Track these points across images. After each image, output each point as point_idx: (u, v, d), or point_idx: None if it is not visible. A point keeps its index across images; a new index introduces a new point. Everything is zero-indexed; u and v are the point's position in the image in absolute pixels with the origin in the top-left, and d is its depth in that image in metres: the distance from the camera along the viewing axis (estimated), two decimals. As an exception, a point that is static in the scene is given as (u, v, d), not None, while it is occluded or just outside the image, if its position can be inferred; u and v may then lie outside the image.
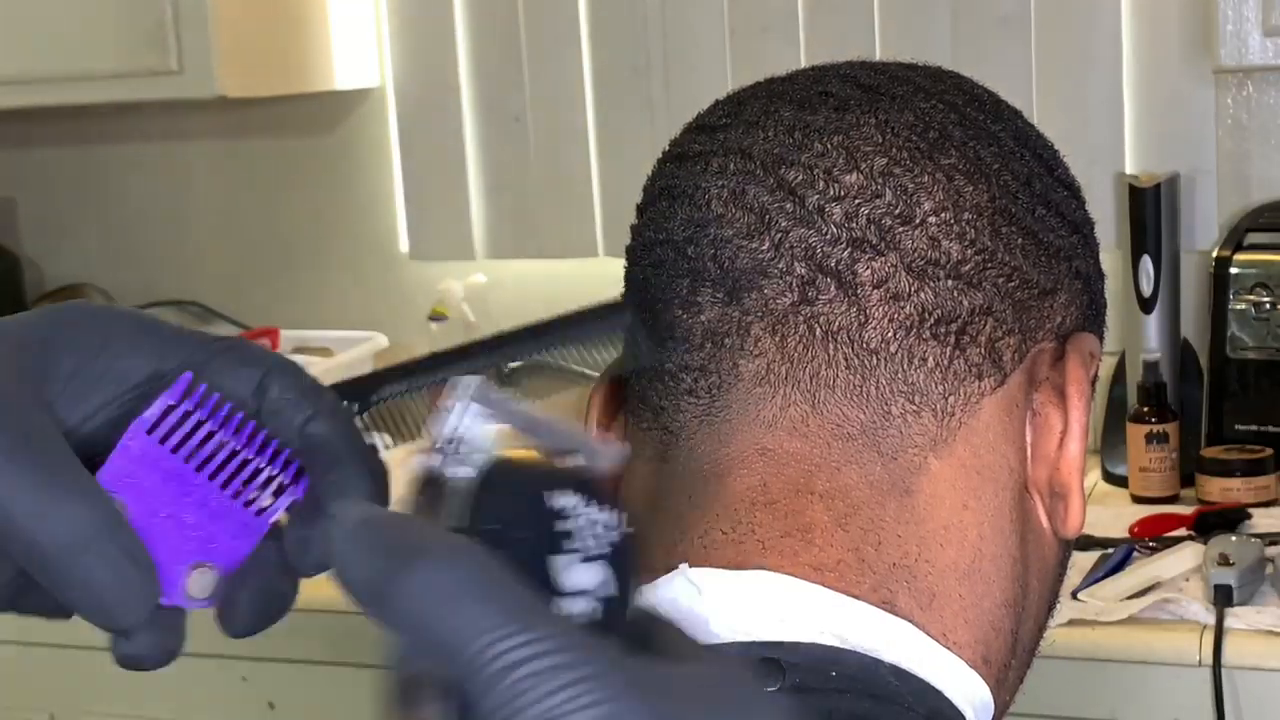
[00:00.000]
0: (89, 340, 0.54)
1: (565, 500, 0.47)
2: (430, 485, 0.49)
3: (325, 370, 2.33)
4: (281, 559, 0.57)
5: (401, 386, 0.60)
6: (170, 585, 0.54)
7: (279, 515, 0.56)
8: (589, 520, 0.47)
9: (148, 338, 0.55)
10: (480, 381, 0.49)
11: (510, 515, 0.47)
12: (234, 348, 0.56)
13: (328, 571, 0.45)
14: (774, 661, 0.63)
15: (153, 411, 0.53)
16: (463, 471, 0.48)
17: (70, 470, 0.50)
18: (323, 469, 0.56)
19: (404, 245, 2.53)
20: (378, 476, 0.57)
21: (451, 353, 0.62)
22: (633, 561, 0.47)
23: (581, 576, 0.46)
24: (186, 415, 0.54)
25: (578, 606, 0.46)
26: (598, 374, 0.77)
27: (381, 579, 0.41)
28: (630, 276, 0.73)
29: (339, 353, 2.42)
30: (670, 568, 0.67)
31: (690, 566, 0.66)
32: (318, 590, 2.09)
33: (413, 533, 0.43)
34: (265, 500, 0.55)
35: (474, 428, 0.49)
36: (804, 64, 0.75)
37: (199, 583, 0.55)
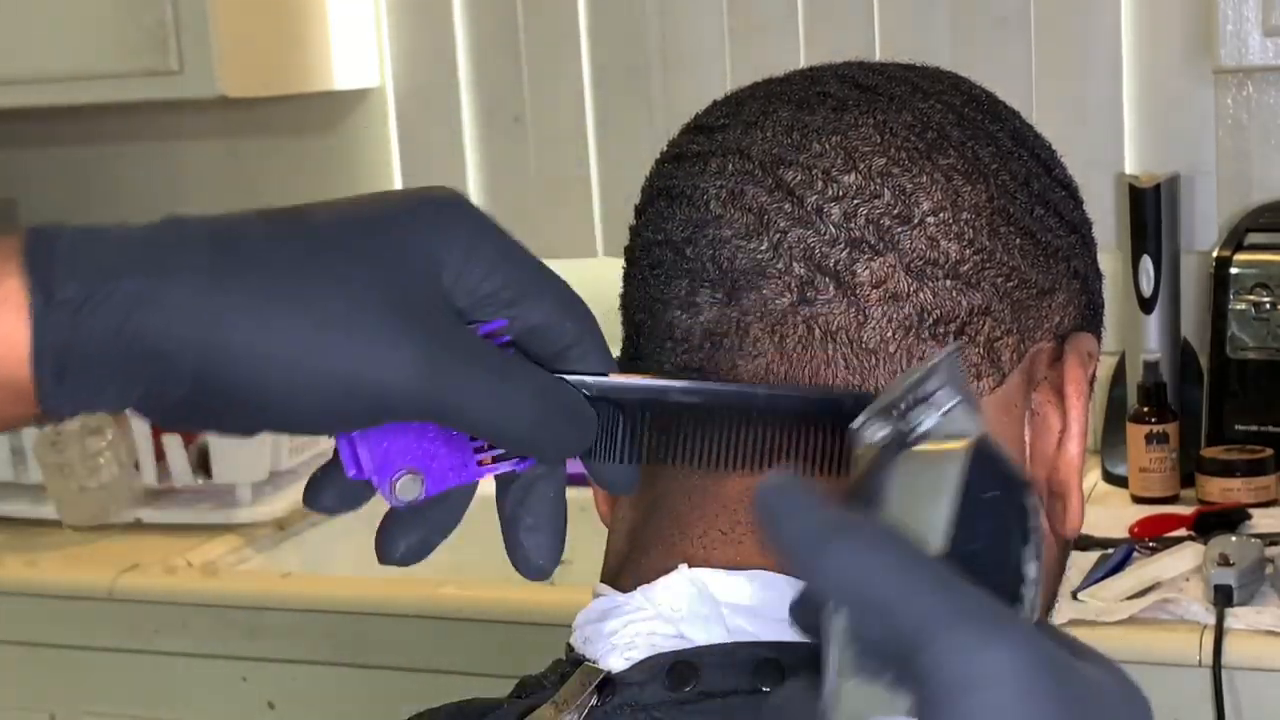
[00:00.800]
0: (464, 248, 0.57)
1: (1032, 501, 0.51)
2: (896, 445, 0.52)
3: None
4: (458, 511, 0.62)
5: (674, 399, 0.62)
6: (385, 475, 0.59)
7: (495, 472, 0.61)
8: (1040, 523, 0.51)
9: (501, 264, 0.58)
10: (955, 357, 0.53)
11: (1000, 494, 0.50)
12: (565, 296, 0.60)
13: None
14: (774, 662, 0.63)
15: None
16: (952, 432, 0.51)
17: (515, 367, 0.58)
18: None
19: (404, 245, 2.53)
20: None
21: (728, 387, 0.64)
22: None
23: (1032, 570, 0.50)
24: None
25: (1029, 595, 0.50)
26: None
27: (819, 542, 0.45)
28: (628, 277, 0.73)
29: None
30: (669, 568, 0.67)
31: (690, 566, 0.67)
32: (318, 590, 2.09)
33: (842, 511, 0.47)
34: (488, 456, 0.60)
35: (948, 400, 0.52)
36: (803, 64, 0.75)
37: (406, 485, 0.59)
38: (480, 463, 0.61)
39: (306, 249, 0.56)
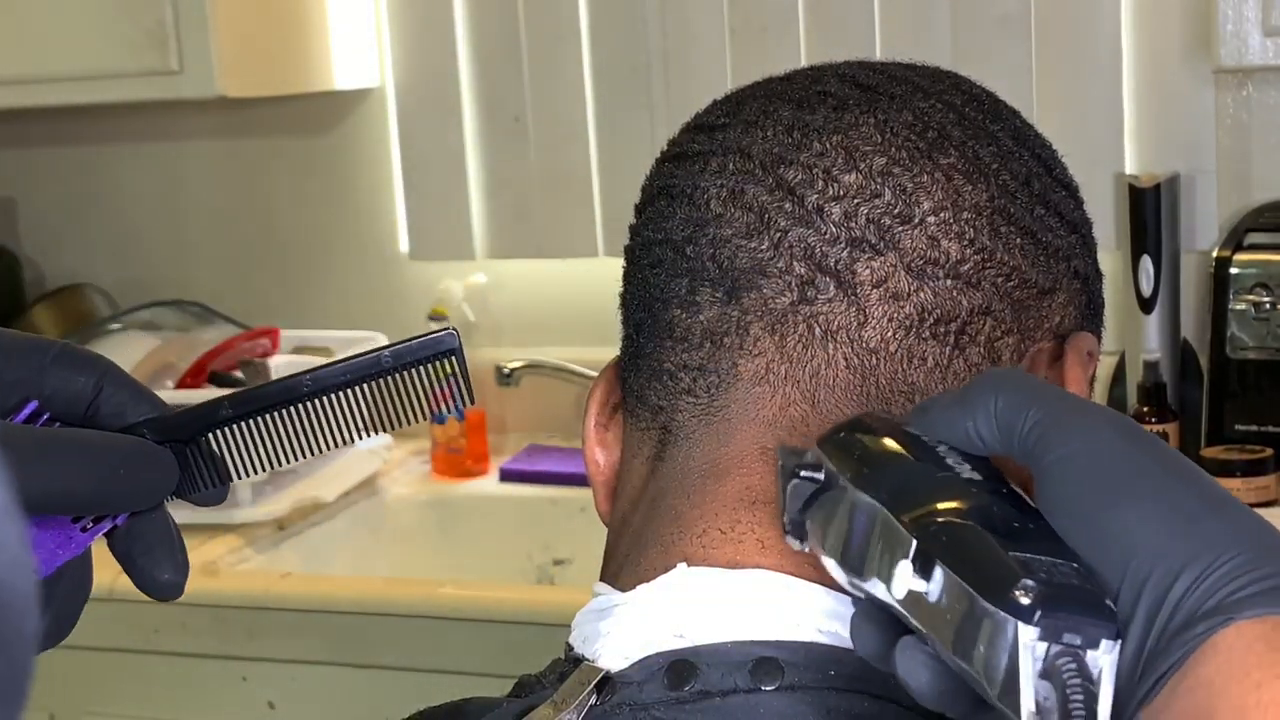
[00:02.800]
0: None
1: None
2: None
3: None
4: (86, 578, 0.63)
5: (227, 414, 0.64)
6: None
7: (99, 535, 0.61)
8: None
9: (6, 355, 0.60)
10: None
11: None
12: (67, 355, 0.61)
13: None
14: (773, 660, 0.63)
15: None
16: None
17: (58, 440, 0.58)
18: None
19: (404, 245, 2.53)
20: (206, 463, 0.63)
21: (273, 384, 0.64)
22: None
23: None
24: None
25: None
26: (595, 374, 0.78)
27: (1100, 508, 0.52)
28: (629, 276, 0.73)
29: (339, 353, 2.41)
30: (669, 566, 0.67)
31: (689, 565, 0.67)
32: (317, 590, 2.08)
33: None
34: (88, 521, 0.61)
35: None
36: (804, 64, 0.75)
37: None
38: (83, 529, 0.61)
39: None
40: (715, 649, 0.64)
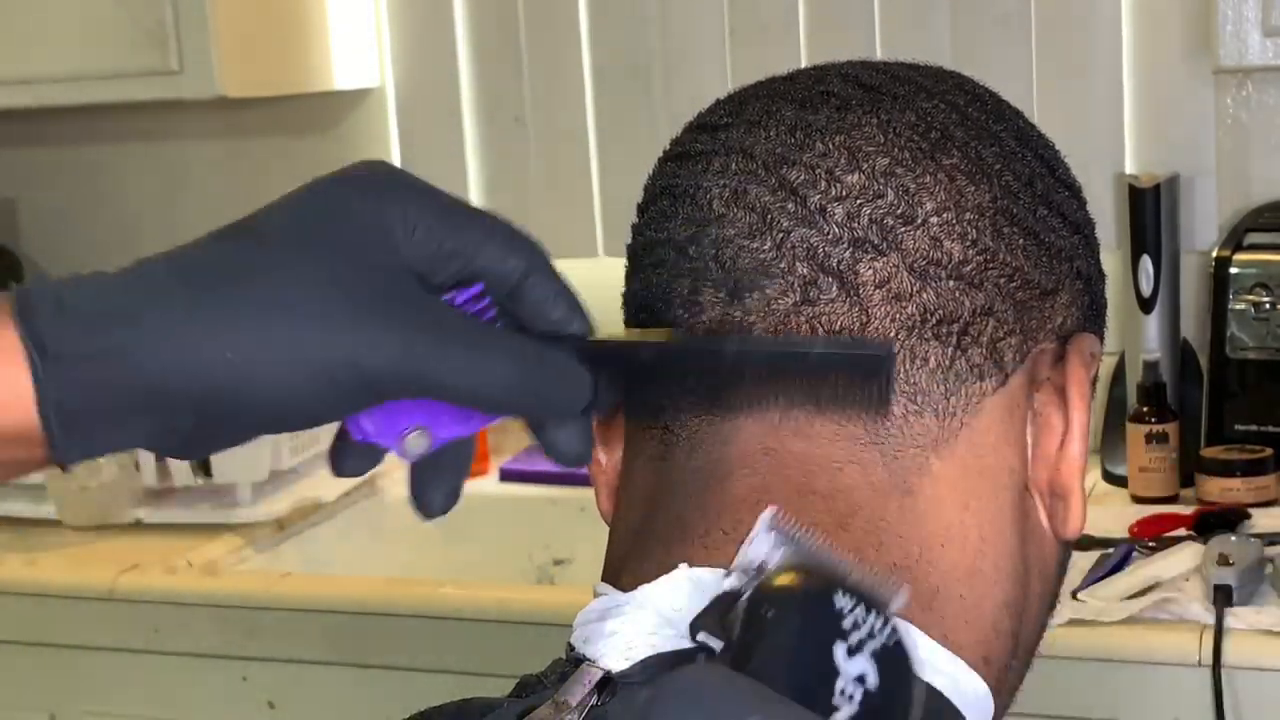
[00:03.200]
0: (407, 214, 0.60)
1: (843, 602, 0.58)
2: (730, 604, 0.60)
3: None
4: (471, 454, 0.65)
5: (649, 357, 0.64)
6: (392, 436, 0.62)
7: (496, 421, 0.63)
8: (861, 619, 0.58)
9: (445, 220, 0.60)
10: (775, 513, 0.61)
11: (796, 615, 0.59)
12: (505, 232, 0.62)
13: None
14: (774, 661, 0.63)
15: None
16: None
17: (489, 336, 0.61)
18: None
19: (404, 245, 2.53)
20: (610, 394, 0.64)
21: (699, 341, 0.66)
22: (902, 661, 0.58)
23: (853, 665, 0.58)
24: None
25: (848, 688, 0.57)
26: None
27: None
28: (631, 276, 0.73)
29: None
30: (670, 567, 0.67)
31: (691, 566, 0.66)
32: (318, 590, 2.09)
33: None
34: None
35: (772, 555, 0.60)
36: (804, 64, 0.75)
37: (415, 440, 0.62)
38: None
39: (263, 256, 0.58)
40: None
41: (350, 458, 0.63)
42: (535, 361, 0.61)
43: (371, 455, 0.63)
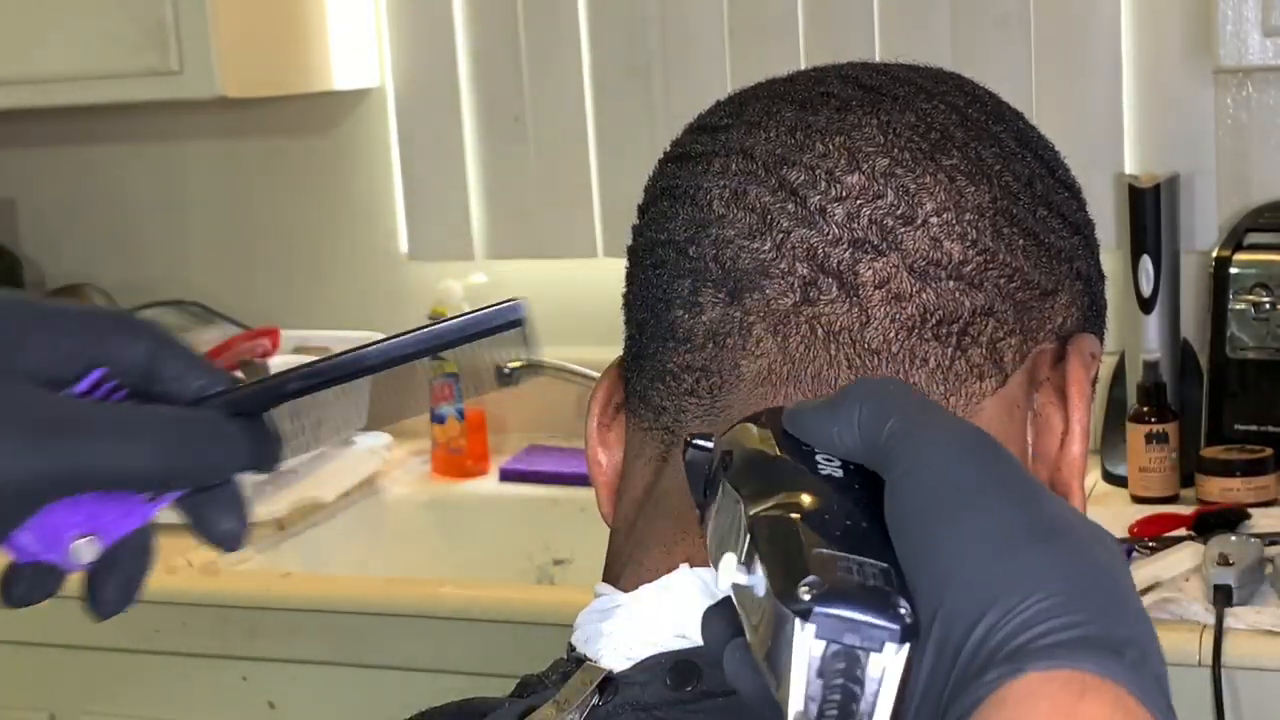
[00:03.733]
0: (18, 326, 0.59)
1: None
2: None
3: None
4: (149, 545, 0.62)
5: (296, 387, 0.63)
6: (56, 549, 0.60)
7: (164, 505, 0.61)
8: None
9: (54, 325, 0.60)
10: None
11: None
12: (123, 322, 0.61)
13: None
14: (775, 661, 0.63)
15: None
16: None
17: (127, 415, 0.59)
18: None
19: (404, 245, 2.53)
20: (271, 440, 0.62)
21: (344, 355, 0.64)
22: None
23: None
24: None
25: None
26: (596, 374, 0.78)
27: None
28: (631, 276, 0.73)
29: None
30: (671, 567, 0.67)
31: (691, 566, 0.67)
32: (318, 590, 2.08)
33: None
34: (148, 494, 0.61)
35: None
36: (804, 64, 0.75)
37: (82, 550, 0.60)
38: (148, 499, 0.61)
39: None
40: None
41: (20, 583, 0.60)
42: (179, 427, 0.59)
43: (45, 576, 0.60)
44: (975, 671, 0.46)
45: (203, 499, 0.62)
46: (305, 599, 1.97)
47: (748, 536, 0.52)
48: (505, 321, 0.63)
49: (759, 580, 0.51)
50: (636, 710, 0.64)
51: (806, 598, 0.48)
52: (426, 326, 0.64)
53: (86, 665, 2.08)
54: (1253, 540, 1.79)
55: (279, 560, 2.16)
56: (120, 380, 0.60)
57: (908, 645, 0.48)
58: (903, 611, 0.48)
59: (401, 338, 0.64)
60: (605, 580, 0.71)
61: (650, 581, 0.67)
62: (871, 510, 0.53)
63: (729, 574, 0.52)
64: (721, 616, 0.54)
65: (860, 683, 0.47)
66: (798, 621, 0.48)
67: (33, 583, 0.60)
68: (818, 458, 0.55)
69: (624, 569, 0.70)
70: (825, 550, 0.50)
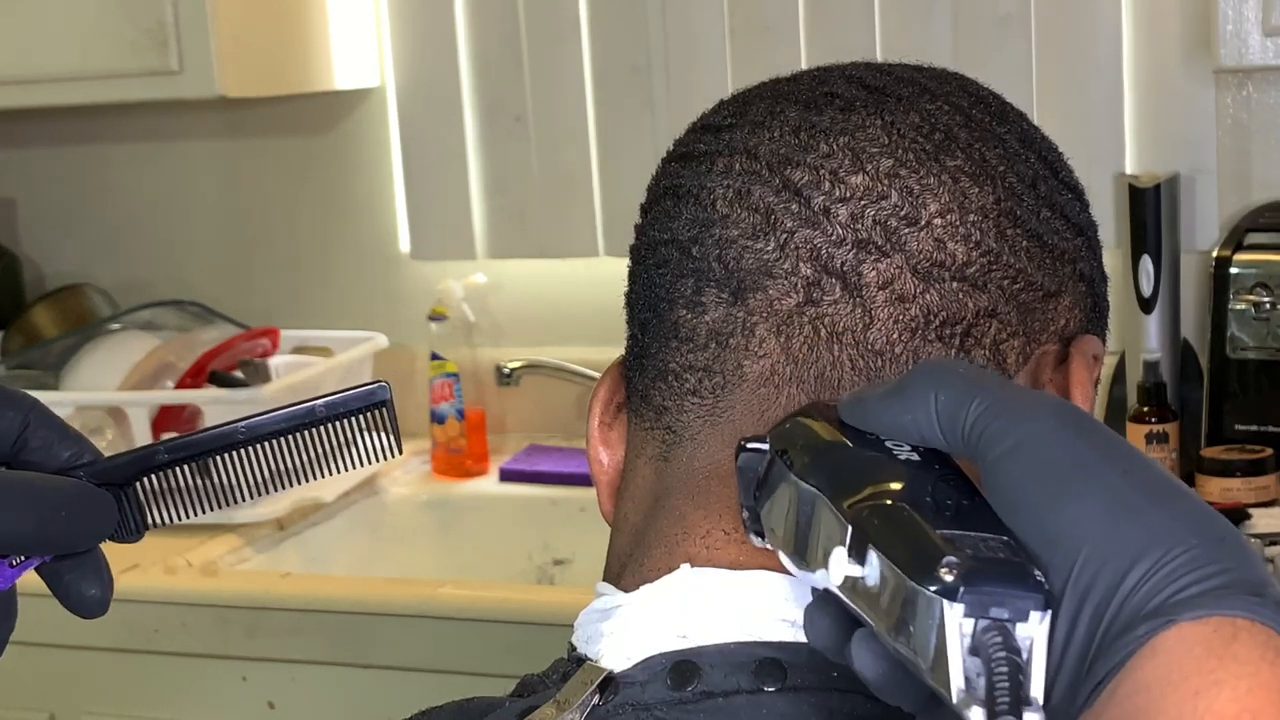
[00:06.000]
0: None
1: None
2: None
3: (325, 370, 2.33)
4: (11, 610, 0.65)
5: (164, 459, 0.66)
6: None
7: (27, 570, 0.63)
8: None
9: None
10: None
11: None
12: None
13: None
14: (775, 661, 0.63)
15: None
16: None
17: None
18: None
19: (404, 245, 2.53)
20: (137, 510, 0.65)
21: (211, 430, 0.67)
22: None
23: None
24: None
25: None
26: (596, 374, 0.77)
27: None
28: (634, 275, 0.73)
29: (339, 353, 2.42)
30: (672, 567, 0.67)
31: (692, 566, 0.67)
32: (318, 590, 2.08)
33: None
34: (16, 558, 0.63)
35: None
36: (804, 64, 0.75)
37: None
38: (11, 564, 0.63)
39: None
40: (718, 650, 0.64)
41: None
42: (47, 494, 0.61)
43: None
44: (1120, 629, 0.48)
45: (66, 565, 0.63)
46: (305, 599, 1.97)
47: (849, 528, 0.53)
48: (370, 403, 0.66)
49: (875, 570, 0.52)
50: (637, 710, 0.64)
51: (949, 578, 0.49)
52: (296, 404, 0.66)
53: (86, 665, 2.08)
54: (1253, 540, 1.79)
55: (279, 560, 2.16)
56: None
57: (1049, 612, 0.49)
58: (1041, 580, 0.50)
59: (271, 414, 0.66)
60: (606, 580, 0.71)
61: (651, 581, 0.67)
62: (963, 488, 0.54)
63: (841, 568, 0.53)
64: (827, 612, 0.56)
65: (1019, 651, 0.49)
66: (945, 602, 0.49)
67: None
68: (888, 444, 0.56)
69: (625, 569, 0.70)
70: (946, 530, 0.51)
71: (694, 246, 0.69)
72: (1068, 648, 0.49)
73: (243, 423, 0.66)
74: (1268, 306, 2.05)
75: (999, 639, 0.49)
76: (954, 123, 0.70)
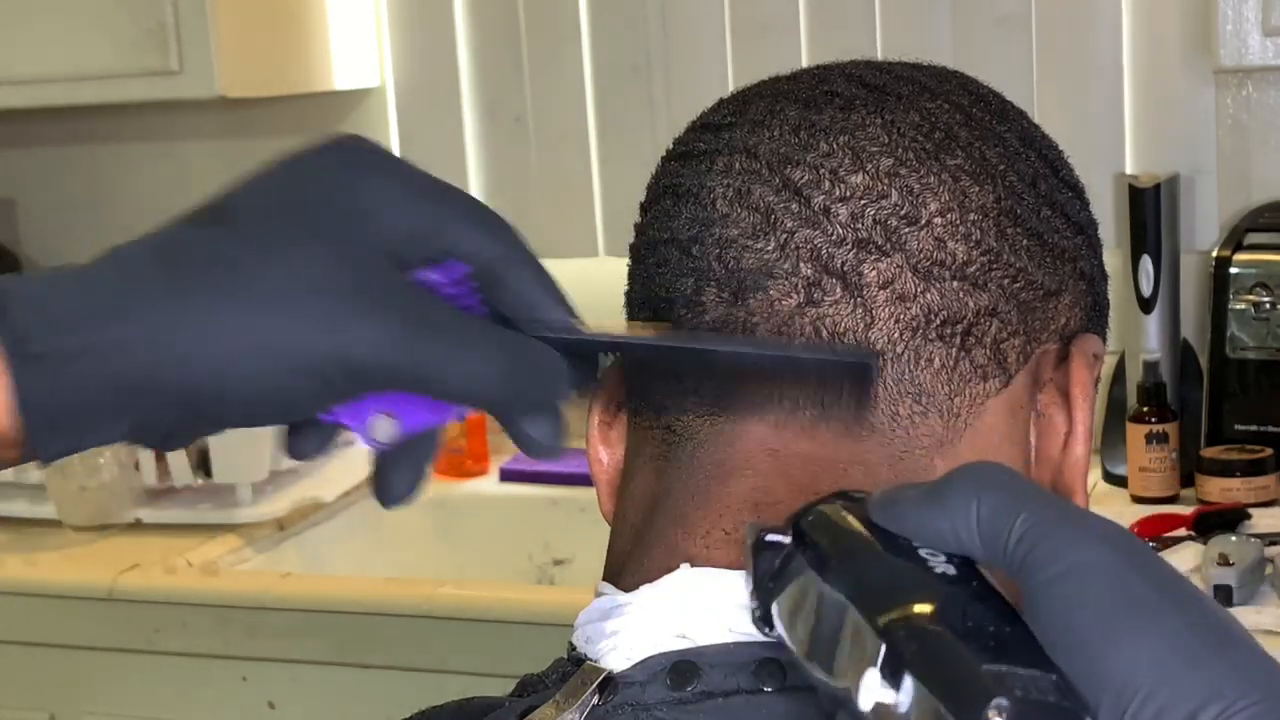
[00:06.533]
0: (387, 193, 0.59)
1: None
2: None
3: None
4: (437, 443, 0.63)
5: (644, 351, 0.63)
6: (359, 418, 0.60)
7: (466, 412, 0.61)
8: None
9: (408, 197, 0.59)
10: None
11: None
12: (478, 213, 0.60)
13: None
14: (775, 662, 0.63)
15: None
16: None
17: (472, 330, 0.58)
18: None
19: (404, 245, 2.53)
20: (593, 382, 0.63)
21: (690, 340, 0.65)
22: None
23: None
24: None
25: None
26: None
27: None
28: (634, 275, 0.73)
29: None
30: (672, 567, 0.67)
31: (692, 566, 0.66)
32: (318, 590, 2.09)
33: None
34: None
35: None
36: (804, 63, 0.75)
37: (381, 427, 0.60)
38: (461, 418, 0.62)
39: (244, 246, 0.57)
40: (718, 650, 0.64)
41: (310, 439, 0.61)
42: (524, 359, 0.59)
43: (329, 435, 0.61)
44: None
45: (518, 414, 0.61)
46: (305, 599, 1.97)
47: (882, 648, 0.50)
48: (853, 375, 0.62)
49: (909, 698, 0.49)
50: (636, 710, 0.64)
51: None
52: (776, 346, 0.64)
53: (86, 665, 2.08)
54: (1253, 540, 1.79)
55: (279, 560, 2.16)
56: (479, 278, 0.59)
57: None
58: None
59: (746, 344, 0.64)
60: (606, 580, 0.71)
61: (651, 581, 0.67)
62: (1004, 611, 0.51)
63: (873, 692, 0.50)
64: None
65: None
66: None
67: (320, 439, 0.61)
68: (921, 551, 0.54)
69: (625, 569, 0.70)
70: (993, 666, 0.48)
71: (694, 246, 0.69)
72: None
73: (723, 344, 0.64)
74: (1267, 306, 2.05)
75: None
76: (954, 121, 0.70)
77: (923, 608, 0.51)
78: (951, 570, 0.53)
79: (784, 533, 0.57)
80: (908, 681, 0.49)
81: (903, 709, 0.49)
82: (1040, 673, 0.49)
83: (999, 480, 0.53)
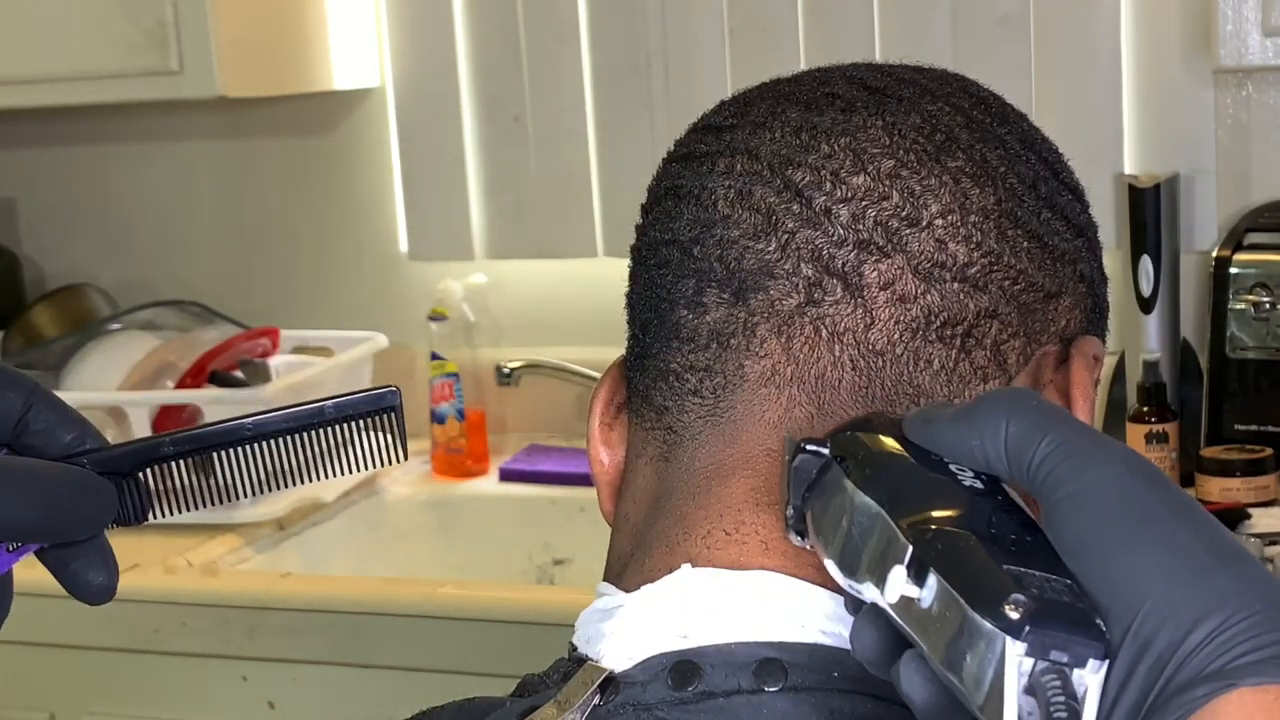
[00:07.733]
0: None
1: None
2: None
3: (325, 370, 2.33)
4: (6, 595, 0.64)
5: (169, 451, 0.65)
6: None
7: (25, 555, 0.63)
8: None
9: None
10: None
11: None
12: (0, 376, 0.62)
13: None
14: (776, 661, 0.63)
15: None
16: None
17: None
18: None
19: (403, 245, 2.53)
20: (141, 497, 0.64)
21: (216, 426, 0.66)
22: None
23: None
24: None
25: None
26: (596, 374, 0.77)
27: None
28: (635, 276, 0.73)
29: (339, 353, 2.42)
30: (673, 567, 0.67)
31: (693, 566, 0.67)
32: (318, 590, 2.09)
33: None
34: (13, 544, 0.62)
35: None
36: (804, 64, 0.75)
37: None
38: (9, 549, 0.62)
39: None
40: (719, 650, 0.64)
41: None
42: (53, 480, 0.60)
43: None
44: (1179, 687, 0.48)
45: (72, 553, 0.63)
46: (305, 599, 1.97)
47: (909, 548, 0.53)
48: (380, 407, 0.65)
49: (932, 593, 0.52)
50: (637, 710, 0.64)
51: (1015, 615, 0.50)
52: (304, 404, 0.66)
53: (86, 665, 2.08)
54: (1253, 540, 1.79)
55: (279, 560, 2.16)
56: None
57: (1106, 662, 0.50)
58: (1102, 629, 0.50)
59: (279, 412, 0.65)
60: (607, 580, 0.71)
61: (652, 581, 0.67)
62: (1025, 522, 0.54)
63: (898, 586, 0.53)
64: (875, 626, 0.56)
65: (1076, 698, 0.49)
66: (1008, 639, 0.49)
67: None
68: (951, 467, 0.57)
69: (625, 568, 0.70)
70: (1012, 567, 0.51)
71: (695, 247, 0.69)
72: (1119, 698, 0.50)
73: (249, 419, 0.65)
74: (1267, 306, 2.05)
75: (1057, 683, 0.49)
76: (955, 124, 0.70)
77: (949, 513, 0.54)
78: (979, 484, 0.56)
79: (823, 444, 0.60)
80: (931, 579, 0.52)
81: (925, 603, 0.52)
82: (1056, 577, 0.51)
83: (1029, 404, 0.56)
